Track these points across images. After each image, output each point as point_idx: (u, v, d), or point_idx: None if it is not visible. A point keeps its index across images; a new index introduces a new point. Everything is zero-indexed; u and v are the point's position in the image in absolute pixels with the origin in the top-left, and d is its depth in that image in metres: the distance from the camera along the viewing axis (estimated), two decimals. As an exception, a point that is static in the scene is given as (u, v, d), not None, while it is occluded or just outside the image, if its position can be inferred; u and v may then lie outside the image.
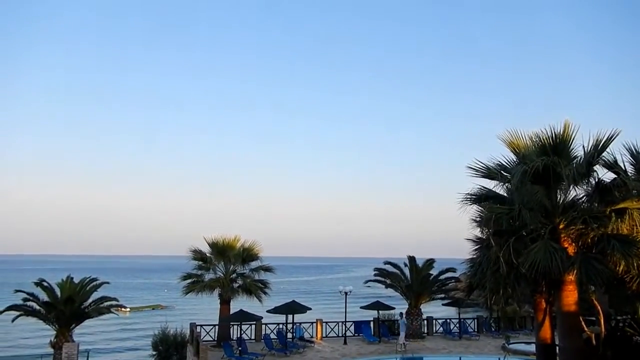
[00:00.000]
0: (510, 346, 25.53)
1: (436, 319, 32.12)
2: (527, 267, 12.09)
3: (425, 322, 31.08)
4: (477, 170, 14.27)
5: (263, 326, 28.32)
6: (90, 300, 26.04)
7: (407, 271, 30.89)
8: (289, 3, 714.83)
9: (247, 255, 28.15)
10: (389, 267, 31.64)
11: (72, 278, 26.41)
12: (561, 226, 13.15)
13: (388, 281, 31.35)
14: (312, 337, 29.10)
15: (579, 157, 13.30)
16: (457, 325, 31.10)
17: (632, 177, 13.40)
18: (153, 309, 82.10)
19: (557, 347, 13.87)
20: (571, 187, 13.48)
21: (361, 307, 29.98)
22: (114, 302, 26.75)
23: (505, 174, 14.11)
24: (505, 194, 14.41)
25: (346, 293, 29.02)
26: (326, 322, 30.10)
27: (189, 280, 27.86)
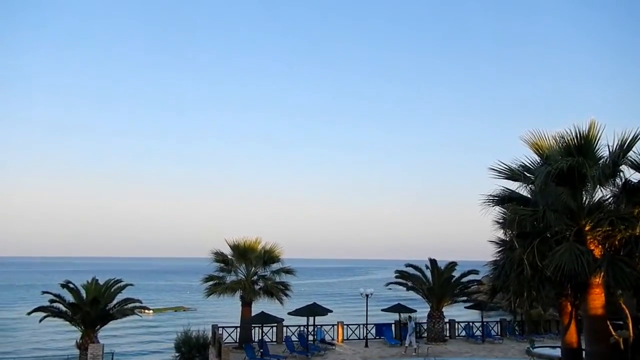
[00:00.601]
0: (535, 350, 25.08)
1: (459, 322, 31.80)
2: (552, 270, 11.88)
3: (448, 325, 30.80)
4: (499, 172, 14.08)
5: (284, 328, 28.38)
6: (114, 302, 26.41)
7: (428, 273, 30.65)
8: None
9: (268, 257, 28.26)
10: (410, 270, 31.44)
11: (97, 280, 26.83)
12: (587, 228, 12.90)
13: (409, 283, 31.13)
14: (333, 339, 29.07)
15: (605, 158, 13.03)
16: (480, 328, 30.74)
17: (660, 177, 13.07)
18: (176, 310, 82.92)
19: (584, 352, 13.60)
20: (597, 188, 13.20)
21: (382, 310, 29.83)
22: (137, 304, 27.08)
23: (528, 175, 13.90)
24: (528, 196, 14.21)
25: (367, 295, 28.93)
26: (347, 325, 30.05)
27: (210, 282, 28.07)
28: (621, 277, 11.45)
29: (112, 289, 26.79)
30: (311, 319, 26.63)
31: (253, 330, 27.54)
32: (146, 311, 38.63)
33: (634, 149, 12.82)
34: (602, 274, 11.85)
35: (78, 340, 24.96)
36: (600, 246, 12.79)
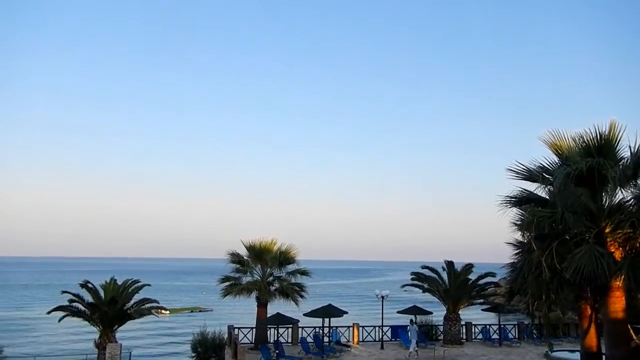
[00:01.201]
0: (554, 354, 24.77)
1: (475, 325, 31.52)
2: (571, 273, 11.72)
3: (464, 327, 30.55)
4: (517, 173, 13.93)
5: (300, 329, 28.40)
6: (132, 302, 26.68)
7: (445, 275, 30.46)
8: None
9: (284, 258, 28.32)
10: (426, 272, 31.26)
11: (115, 280, 27.12)
12: (607, 230, 12.71)
13: (425, 285, 30.95)
14: (348, 341, 29.01)
15: (626, 158, 12.83)
16: (497, 331, 30.43)
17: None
18: (192, 311, 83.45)
19: (604, 356, 13.38)
20: (617, 189, 13.00)
21: (398, 312, 29.70)
22: (154, 304, 27.32)
23: (547, 176, 13.73)
24: (547, 197, 14.03)
25: (383, 297, 28.82)
26: (363, 326, 29.96)
27: (226, 283, 28.21)
28: (643, 280, 11.25)
29: (130, 289, 27.08)
30: (327, 320, 26.62)
31: (269, 331, 27.60)
32: (163, 311, 38.95)
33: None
34: (623, 276, 11.67)
35: (96, 340, 25.26)
36: (620, 248, 12.58)
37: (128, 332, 39.14)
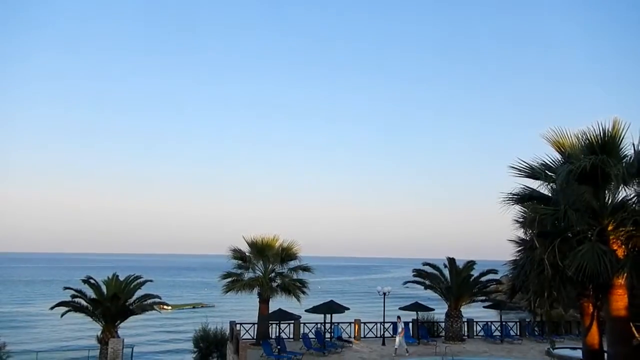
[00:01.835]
0: (556, 351, 24.76)
1: (477, 322, 31.53)
2: (573, 270, 11.70)
3: (466, 324, 30.56)
4: (520, 170, 13.89)
5: (301, 325, 28.44)
6: (134, 298, 26.77)
7: (446, 272, 30.44)
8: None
9: (286, 254, 28.34)
10: (427, 268, 31.25)
11: (117, 276, 27.19)
12: (610, 228, 12.67)
13: (427, 282, 30.95)
14: (350, 337, 29.06)
15: (629, 156, 12.78)
16: (499, 328, 30.43)
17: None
18: (194, 307, 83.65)
19: (606, 354, 13.37)
20: (621, 187, 12.95)
21: (400, 308, 29.68)
22: (156, 300, 27.42)
23: (550, 173, 13.69)
24: (549, 194, 13.99)
25: (384, 294, 28.83)
26: (364, 323, 30.01)
27: (228, 279, 28.24)
28: (645, 278, 11.23)
29: (132, 285, 27.16)
30: (328, 316, 26.66)
31: (270, 327, 27.65)
32: (165, 307, 39.12)
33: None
34: (625, 274, 11.65)
35: (99, 335, 25.36)
36: (623, 246, 12.55)
37: (130, 328, 39.27)
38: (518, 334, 31.01)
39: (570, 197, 12.94)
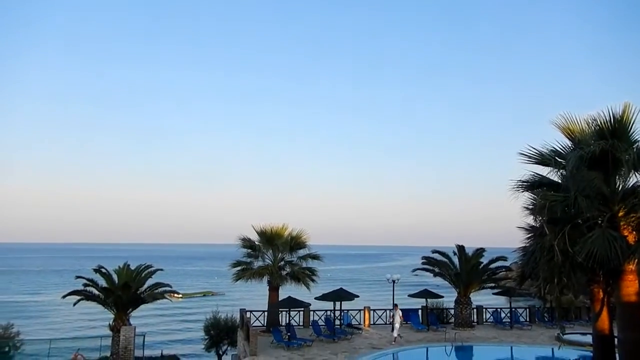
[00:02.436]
0: (566, 337, 24.81)
1: (486, 308, 31.57)
2: (583, 256, 11.66)
3: (475, 311, 30.62)
4: (529, 157, 13.79)
5: (311, 313, 28.63)
6: (145, 286, 27.03)
7: (456, 260, 30.47)
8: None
9: (295, 243, 28.45)
10: (437, 256, 31.30)
11: (128, 265, 27.44)
12: (620, 214, 12.59)
13: (436, 270, 31.01)
14: (359, 324, 29.22)
15: (640, 141, 12.64)
16: (508, 314, 30.47)
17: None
18: (204, 295, 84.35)
19: (616, 339, 13.37)
20: (631, 172, 12.83)
21: (409, 295, 29.79)
22: (167, 288, 27.66)
23: (559, 160, 13.58)
24: (559, 181, 13.90)
25: (394, 281, 28.91)
26: (374, 310, 30.13)
27: (238, 268, 28.43)
28: (656, 263, 11.17)
29: (143, 274, 27.42)
30: (338, 304, 26.80)
31: (280, 315, 27.85)
32: (175, 295, 39.31)
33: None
34: (636, 260, 11.59)
35: (111, 323, 25.66)
36: (634, 232, 12.48)
37: (142, 316, 39.71)
38: (528, 320, 31.03)
39: (580, 183, 12.84)
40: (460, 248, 30.38)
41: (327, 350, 22.54)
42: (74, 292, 26.03)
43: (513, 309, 30.44)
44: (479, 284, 30.15)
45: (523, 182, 13.73)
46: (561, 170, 13.74)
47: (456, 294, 29.97)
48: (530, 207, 14.19)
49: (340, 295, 26.37)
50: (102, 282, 26.44)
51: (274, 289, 27.62)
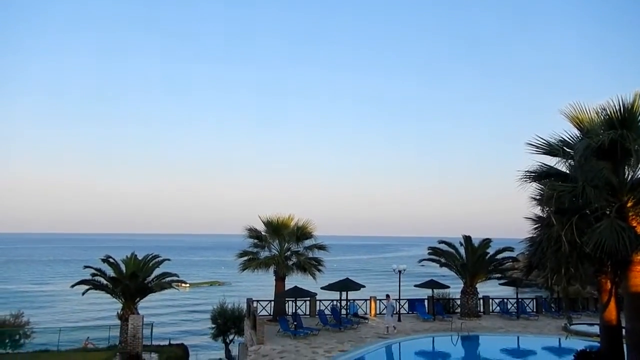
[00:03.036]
0: (572, 327, 24.80)
1: (493, 298, 31.58)
2: (591, 247, 11.59)
3: (482, 301, 30.64)
4: (537, 147, 13.64)
5: (317, 302, 28.75)
6: (152, 276, 27.22)
7: (462, 250, 30.45)
8: None
9: (301, 233, 28.53)
10: (443, 246, 31.29)
11: (135, 255, 27.64)
12: (629, 204, 12.48)
13: (442, 260, 31.01)
14: (366, 313, 29.32)
15: (650, 131, 12.49)
16: (515, 305, 30.47)
17: None
18: (211, 285, 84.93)
19: (624, 329, 13.33)
20: (641, 162, 12.71)
21: (415, 286, 29.84)
22: (174, 278, 27.85)
23: (568, 150, 13.46)
24: (567, 171, 13.80)
25: (400, 271, 28.95)
26: (380, 300, 30.22)
27: (245, 258, 28.55)
28: (665, 254, 11.10)
29: (150, 264, 27.62)
30: (344, 294, 26.88)
31: (287, 304, 28.00)
32: (183, 285, 39.77)
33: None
34: (645, 251, 11.50)
35: (119, 312, 25.89)
36: (643, 223, 12.37)
37: (150, 307, 40.03)
38: (534, 310, 31.03)
39: (588, 173, 12.73)
40: (467, 238, 30.35)
41: (333, 339, 22.65)
42: (82, 282, 26.27)
43: (520, 300, 30.43)
44: (485, 275, 30.14)
45: (531, 172, 13.61)
46: (569, 161, 13.61)
47: (462, 285, 29.99)
48: (538, 197, 14.10)
49: (346, 285, 26.44)
50: (110, 272, 26.64)
51: (280, 279, 27.75)
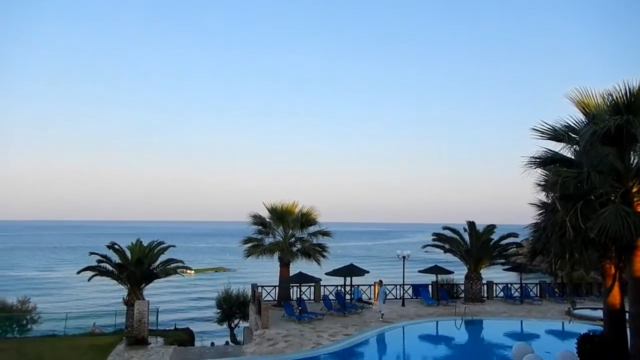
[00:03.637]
0: (576, 311, 24.92)
1: (496, 284, 31.72)
2: (596, 232, 11.59)
3: (485, 286, 30.77)
4: (542, 132, 13.55)
5: (322, 288, 28.94)
6: (158, 262, 27.37)
7: (466, 236, 30.52)
8: None
9: (305, 220, 28.63)
10: (447, 232, 31.37)
11: (141, 242, 27.77)
12: (634, 190, 12.45)
13: (447, 246, 31.10)
14: (370, 299, 29.51)
15: (657, 116, 12.40)
16: (519, 290, 30.59)
17: None
18: (216, 271, 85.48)
19: (627, 313, 13.39)
20: (646, 148, 12.66)
21: (419, 271, 29.97)
22: (179, 264, 27.98)
23: (573, 135, 13.40)
24: (572, 157, 13.75)
25: (404, 257, 29.07)
26: (384, 285, 30.34)
27: (249, 244, 28.71)
28: (670, 239, 11.09)
29: (155, 250, 27.72)
30: (348, 279, 27.05)
31: (291, 289, 28.19)
32: (188, 271, 39.87)
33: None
34: (650, 236, 11.49)
35: (125, 297, 26.09)
36: (648, 208, 12.36)
37: (156, 294, 40.37)
38: (538, 295, 31.16)
39: (593, 159, 12.68)
40: (471, 224, 30.41)
41: (337, 323, 22.85)
42: (88, 268, 26.41)
43: (523, 285, 30.54)
44: (489, 260, 30.26)
45: (535, 158, 13.56)
46: (574, 146, 13.56)
47: (466, 270, 30.10)
48: (543, 183, 14.07)
49: (350, 270, 26.61)
50: (116, 259, 26.79)
51: (284, 265, 27.91)
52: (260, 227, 28.93)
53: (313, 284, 28.42)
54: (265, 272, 56.01)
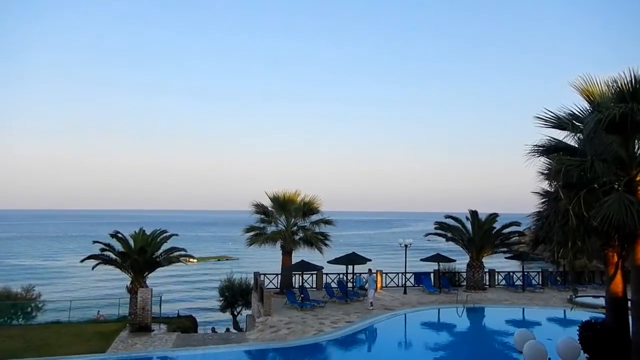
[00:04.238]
0: (578, 299, 24.99)
1: (498, 272, 31.79)
2: (599, 221, 11.56)
3: (487, 274, 30.84)
4: (546, 121, 13.47)
5: (324, 276, 29.04)
6: (161, 251, 27.47)
7: (468, 225, 30.52)
8: None
9: (308, 208, 28.68)
10: (449, 221, 31.35)
11: (144, 230, 27.86)
12: (638, 178, 12.38)
13: (449, 235, 31.12)
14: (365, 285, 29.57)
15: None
16: (521, 278, 30.66)
17: None
18: (219, 259, 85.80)
19: (629, 302, 13.41)
20: (651, 136, 12.58)
21: (421, 260, 30.04)
22: (182, 253, 28.09)
23: (577, 123, 13.32)
24: (576, 145, 13.68)
25: (406, 245, 29.12)
26: (386, 273, 30.49)
27: (252, 233, 28.78)
28: (673, 228, 11.06)
29: (158, 239, 27.81)
30: (350, 267, 27.11)
31: (294, 277, 28.31)
32: (191, 260, 40.14)
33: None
34: (653, 224, 11.46)
35: (128, 285, 26.24)
36: (651, 197, 12.31)
37: (159, 283, 40.57)
38: (540, 283, 31.23)
39: (597, 147, 12.62)
40: (474, 213, 30.40)
41: (339, 310, 22.95)
42: (91, 257, 26.52)
43: (526, 273, 30.61)
44: (491, 249, 30.28)
45: (539, 146, 13.47)
46: (578, 135, 13.49)
47: (469, 259, 30.16)
48: (546, 172, 14.03)
49: (352, 259, 26.66)
50: (119, 247, 26.90)
51: (287, 254, 28.01)
52: (262, 216, 29.00)
53: (315, 272, 28.52)
54: (267, 261, 56.15)
